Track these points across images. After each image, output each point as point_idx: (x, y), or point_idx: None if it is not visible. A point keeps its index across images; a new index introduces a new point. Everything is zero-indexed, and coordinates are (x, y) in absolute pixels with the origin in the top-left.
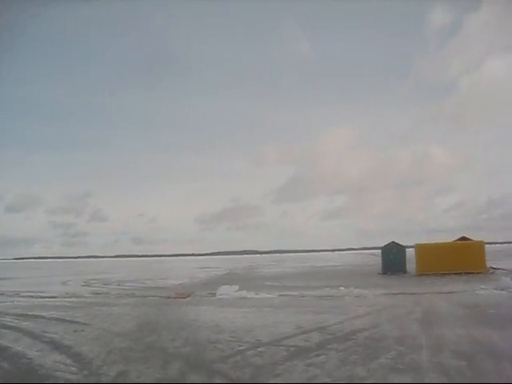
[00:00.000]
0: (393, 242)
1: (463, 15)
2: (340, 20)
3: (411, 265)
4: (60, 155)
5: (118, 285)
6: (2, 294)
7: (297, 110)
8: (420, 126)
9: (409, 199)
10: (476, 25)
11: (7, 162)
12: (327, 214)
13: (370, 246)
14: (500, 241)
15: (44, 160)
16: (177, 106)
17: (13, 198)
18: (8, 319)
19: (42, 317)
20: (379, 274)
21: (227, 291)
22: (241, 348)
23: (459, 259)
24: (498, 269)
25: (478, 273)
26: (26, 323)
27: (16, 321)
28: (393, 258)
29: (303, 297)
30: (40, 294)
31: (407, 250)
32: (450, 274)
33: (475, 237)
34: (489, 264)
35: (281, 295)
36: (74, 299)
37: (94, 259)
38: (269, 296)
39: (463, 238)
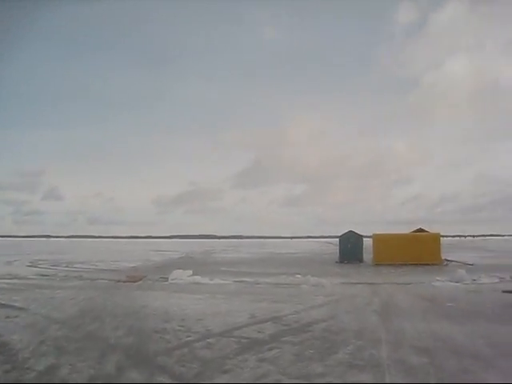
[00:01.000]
0: (351, 231)
1: (429, 13)
2: (308, 10)
3: (368, 254)
4: (13, 132)
5: (67, 266)
6: None
7: (260, 96)
8: (382, 119)
9: (368, 190)
10: (440, 23)
11: None
12: (287, 201)
13: (328, 235)
14: (452, 234)
15: None
16: (136, 87)
17: None
18: None
19: None
20: (336, 262)
21: (180, 276)
22: (189, 339)
23: (415, 250)
24: (452, 261)
25: (433, 264)
26: None
27: None
28: (350, 247)
29: (259, 284)
30: None
31: (365, 239)
32: (406, 264)
33: (430, 229)
34: (443, 256)
35: (236, 281)
36: (15, 281)
37: (47, 239)
38: (223, 282)
39: (420, 230)
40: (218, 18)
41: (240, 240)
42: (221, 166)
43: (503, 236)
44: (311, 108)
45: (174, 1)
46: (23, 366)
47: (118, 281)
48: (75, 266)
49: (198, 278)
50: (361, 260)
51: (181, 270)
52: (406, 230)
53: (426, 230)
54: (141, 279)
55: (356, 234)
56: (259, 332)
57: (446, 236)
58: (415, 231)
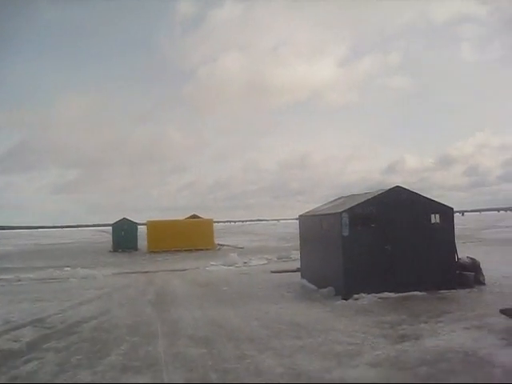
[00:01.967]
0: (124, 219)
1: (207, 10)
2: None
3: (144, 242)
4: None
5: None
6: None
7: (26, 73)
8: (160, 106)
9: (144, 176)
10: (218, 21)
11: None
12: (58, 187)
13: (102, 223)
14: (224, 220)
15: None
16: None
17: None
18: None
19: None
20: (110, 251)
21: None
22: None
23: (189, 236)
24: (224, 245)
25: (207, 249)
26: None
27: None
28: (124, 235)
29: (20, 281)
30: None
31: (140, 227)
32: (181, 250)
33: (204, 215)
34: (216, 241)
35: None
36: None
37: None
38: None
39: (194, 216)
40: None
41: (1, 231)
42: None
43: (268, 220)
44: (81, 85)
45: None
46: None
47: None
48: None
49: None
50: (135, 248)
51: None
52: (181, 216)
53: (200, 216)
54: None
55: (130, 221)
56: (14, 341)
57: (218, 222)
58: (189, 217)
